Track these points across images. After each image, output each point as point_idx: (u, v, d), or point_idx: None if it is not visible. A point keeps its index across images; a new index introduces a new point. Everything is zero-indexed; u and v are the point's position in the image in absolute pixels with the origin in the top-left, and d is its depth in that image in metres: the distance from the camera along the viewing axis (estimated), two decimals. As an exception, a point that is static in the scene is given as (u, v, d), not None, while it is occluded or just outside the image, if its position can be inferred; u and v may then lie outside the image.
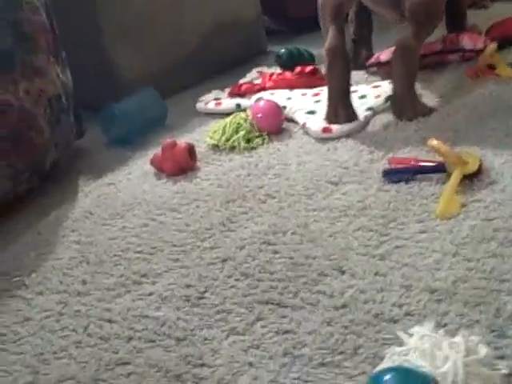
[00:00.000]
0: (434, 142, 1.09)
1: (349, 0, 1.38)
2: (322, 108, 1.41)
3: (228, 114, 1.48)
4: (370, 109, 1.38)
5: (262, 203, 1.13)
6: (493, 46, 1.45)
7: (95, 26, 1.66)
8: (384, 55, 1.56)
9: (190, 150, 1.31)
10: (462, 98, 1.37)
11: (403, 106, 1.32)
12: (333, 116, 1.34)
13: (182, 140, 1.42)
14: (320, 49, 1.83)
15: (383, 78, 1.55)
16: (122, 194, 1.28)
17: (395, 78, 1.32)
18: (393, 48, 1.53)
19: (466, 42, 1.52)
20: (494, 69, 1.44)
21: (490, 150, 1.13)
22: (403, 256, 0.90)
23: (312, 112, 1.42)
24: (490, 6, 2.37)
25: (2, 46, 1.24)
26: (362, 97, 1.43)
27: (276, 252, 0.98)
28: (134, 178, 1.34)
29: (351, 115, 1.34)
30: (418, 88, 1.40)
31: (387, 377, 0.63)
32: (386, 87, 1.45)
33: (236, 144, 1.35)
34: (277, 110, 1.40)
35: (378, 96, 1.42)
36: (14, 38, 1.26)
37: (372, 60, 1.60)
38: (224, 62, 1.86)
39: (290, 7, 2.07)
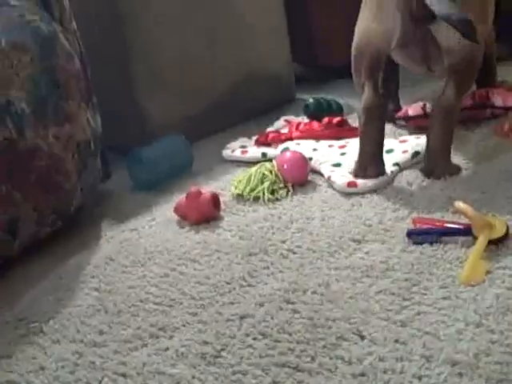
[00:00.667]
0: (461, 204, 1.07)
1: (385, 54, 1.35)
2: (348, 161, 1.40)
3: (254, 163, 1.49)
4: (396, 164, 1.38)
5: (284, 258, 1.12)
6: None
7: (127, 71, 1.69)
8: (412, 109, 1.56)
9: (215, 200, 1.31)
10: (490, 157, 1.35)
11: (436, 164, 1.30)
12: (361, 172, 1.33)
13: (207, 188, 1.43)
14: (348, 98, 1.85)
15: (411, 133, 1.54)
16: (144, 241, 1.29)
17: (432, 135, 1.30)
18: (421, 103, 1.54)
19: (496, 98, 1.51)
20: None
21: (518, 215, 1.11)
22: (425, 323, 0.89)
23: (338, 165, 1.41)
24: None
25: (37, 93, 1.26)
26: (389, 151, 1.43)
27: (295, 311, 0.97)
28: (157, 225, 1.35)
29: (380, 171, 1.34)
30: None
31: None
32: (413, 142, 1.45)
33: (260, 195, 1.35)
34: (302, 162, 1.40)
35: (405, 151, 1.42)
36: (48, 85, 1.28)
37: (400, 114, 1.59)
38: (252, 110, 1.87)
39: (320, 55, 2.08)
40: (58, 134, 1.30)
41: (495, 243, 1.03)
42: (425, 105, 1.53)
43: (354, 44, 1.36)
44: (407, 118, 1.56)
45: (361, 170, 1.33)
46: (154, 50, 1.69)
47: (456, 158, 1.37)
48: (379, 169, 1.33)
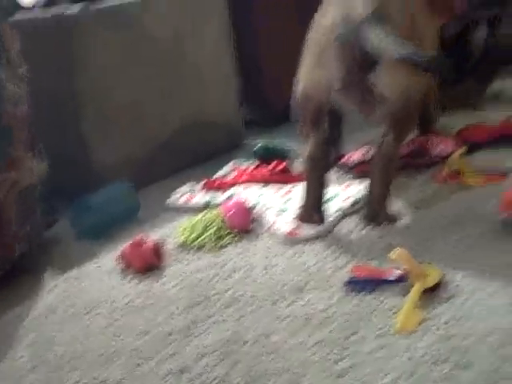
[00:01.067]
0: (397, 253, 1.10)
1: (327, 101, 1.36)
2: (293, 207, 1.43)
3: (200, 209, 1.50)
4: (338, 211, 1.41)
5: (226, 308, 1.13)
6: (459, 151, 1.49)
7: (76, 116, 1.69)
8: (356, 156, 1.60)
9: (158, 249, 1.32)
10: (429, 204, 1.40)
11: (377, 209, 1.34)
12: (305, 218, 1.36)
13: (153, 235, 1.44)
14: (297, 143, 1.89)
15: (355, 178, 1.58)
16: (88, 290, 1.28)
17: (373, 183, 1.34)
18: (364, 149, 1.59)
19: (434, 146, 1.56)
20: (460, 174, 1.48)
21: (451, 262, 1.15)
22: (361, 374, 0.90)
23: (282, 211, 1.44)
24: (480, 108, 2.43)
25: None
26: (332, 198, 1.46)
27: (236, 363, 0.97)
28: (101, 274, 1.34)
29: (323, 218, 1.37)
30: (386, 192, 1.43)
31: None
32: (355, 189, 1.48)
33: (205, 242, 1.36)
34: (247, 209, 1.42)
35: (348, 198, 1.45)
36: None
37: (345, 159, 1.63)
38: (200, 154, 1.89)
39: (270, 98, 2.13)
40: (2, 179, 1.29)
41: (430, 291, 1.06)
42: (367, 151, 1.58)
43: (298, 94, 1.38)
44: (351, 165, 1.60)
45: (304, 217, 1.36)
46: (103, 96, 1.70)
47: (396, 205, 1.41)
48: (321, 216, 1.36)
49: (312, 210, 1.36)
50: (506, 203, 1.24)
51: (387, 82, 1.29)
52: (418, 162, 1.58)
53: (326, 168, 1.37)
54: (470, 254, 1.17)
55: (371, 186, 1.35)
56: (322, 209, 1.37)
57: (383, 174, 1.33)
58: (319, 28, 1.34)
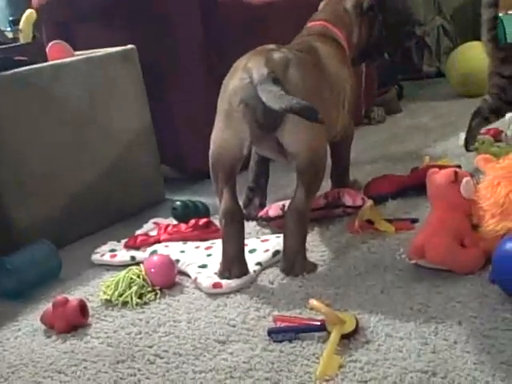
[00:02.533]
0: (314, 303, 1.16)
1: (240, 159, 1.43)
2: (214, 262, 1.46)
3: (123, 267, 1.51)
4: (258, 263, 1.45)
5: (151, 364, 1.14)
6: (370, 203, 1.58)
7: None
8: (273, 210, 1.66)
9: (82, 307, 1.32)
10: (343, 253, 1.47)
11: (293, 262, 1.40)
12: (226, 273, 1.39)
13: (76, 294, 1.44)
14: (215, 199, 1.94)
15: (273, 232, 1.64)
16: (9, 354, 1.26)
17: (287, 237, 1.40)
18: (281, 203, 1.65)
19: (347, 198, 1.65)
20: (372, 223, 1.57)
21: (366, 308, 1.21)
22: (283, 422, 0.93)
23: (204, 266, 1.47)
24: (383, 120, 2.62)
25: None
26: (252, 251, 1.51)
27: (161, 419, 0.98)
28: (23, 335, 1.33)
29: (244, 271, 1.40)
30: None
31: None
32: (274, 241, 1.54)
33: (128, 299, 1.37)
34: (170, 265, 1.44)
35: (267, 250, 1.50)
36: None
37: (262, 213, 1.69)
38: (121, 212, 1.91)
39: (188, 158, 2.17)
40: None
41: (347, 337, 1.11)
42: (284, 205, 1.64)
43: (210, 153, 1.45)
44: (268, 219, 1.66)
45: (225, 271, 1.40)
46: (20, 160, 1.70)
47: (313, 255, 1.47)
48: (242, 269, 1.40)
49: (232, 263, 1.40)
50: (414, 250, 1.32)
51: (292, 141, 1.39)
52: (333, 212, 1.66)
53: (242, 220, 1.41)
54: (383, 300, 1.24)
55: (285, 239, 1.41)
56: (243, 262, 1.41)
57: (296, 228, 1.40)
58: (227, 91, 1.43)
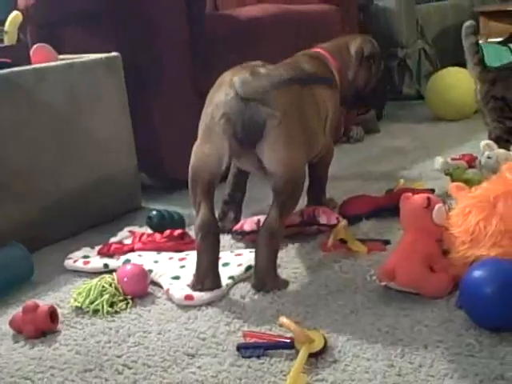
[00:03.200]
0: (284, 320, 1.17)
1: (218, 174, 1.44)
2: (187, 274, 1.47)
3: (96, 274, 1.51)
4: (231, 277, 1.46)
5: (119, 374, 1.15)
6: (343, 222, 1.60)
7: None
8: (248, 225, 1.67)
9: (52, 314, 1.32)
10: (315, 271, 1.49)
11: (264, 279, 1.41)
12: (199, 285, 1.40)
13: (46, 299, 1.44)
14: (191, 210, 1.95)
15: (247, 246, 1.65)
16: (-24, 358, 1.25)
17: (258, 254, 1.41)
18: (256, 218, 1.66)
19: (322, 216, 1.67)
20: (345, 243, 1.59)
21: (335, 327, 1.23)
22: None
23: (177, 277, 1.47)
24: (361, 139, 2.66)
25: None
26: (225, 264, 1.52)
27: (126, 430, 0.99)
28: (-9, 340, 1.32)
29: (217, 284, 1.41)
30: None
31: None
32: (247, 256, 1.55)
33: (99, 307, 1.37)
34: (142, 275, 1.44)
35: (240, 265, 1.51)
36: None
37: (237, 227, 1.70)
38: (97, 219, 1.90)
39: (166, 166, 2.18)
40: None
41: (315, 356, 1.13)
42: (259, 220, 1.65)
43: (190, 166, 1.46)
44: (243, 233, 1.68)
45: (198, 283, 1.41)
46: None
47: (285, 271, 1.49)
48: (216, 282, 1.41)
49: (206, 276, 1.41)
50: (385, 272, 1.34)
51: (271, 158, 1.41)
52: (307, 230, 1.68)
53: (218, 234, 1.42)
54: (352, 320, 1.25)
55: (256, 256, 1.42)
56: (216, 275, 1.42)
57: (267, 247, 1.41)
58: (210, 105, 1.45)
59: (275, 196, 1.43)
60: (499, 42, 3.39)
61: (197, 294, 1.38)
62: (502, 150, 2.01)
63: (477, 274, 1.18)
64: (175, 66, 2.09)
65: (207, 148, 1.42)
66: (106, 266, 1.58)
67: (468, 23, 2.06)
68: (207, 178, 1.42)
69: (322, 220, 1.66)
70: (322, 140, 1.70)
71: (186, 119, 2.14)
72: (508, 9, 3.41)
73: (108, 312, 1.37)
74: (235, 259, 1.54)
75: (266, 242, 1.40)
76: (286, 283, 1.43)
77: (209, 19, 2.15)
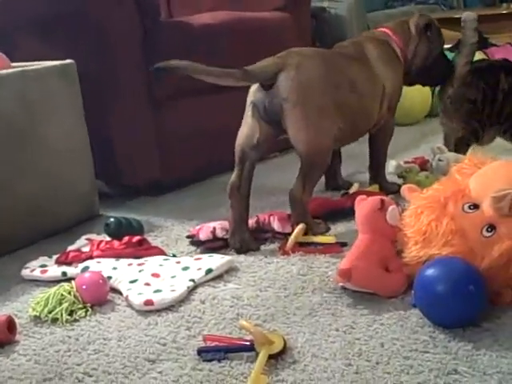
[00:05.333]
0: (244, 323, 1.19)
1: (251, 147, 1.67)
2: (145, 277, 1.48)
3: (54, 282, 1.50)
4: (191, 280, 1.47)
5: (79, 382, 1.14)
6: (302, 225, 1.63)
7: None
8: (204, 234, 1.67)
9: (10, 324, 1.30)
10: (274, 274, 1.51)
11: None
12: (231, 239, 1.65)
13: (4, 310, 1.42)
14: (150, 216, 1.96)
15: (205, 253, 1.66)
16: None
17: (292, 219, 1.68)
18: (212, 225, 1.68)
19: (276, 224, 1.69)
20: (302, 246, 1.61)
21: (294, 328, 1.25)
22: None
23: (134, 281, 1.47)
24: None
25: None
26: (185, 268, 1.53)
27: None
28: None
29: (243, 238, 1.65)
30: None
31: None
32: (207, 260, 1.56)
33: (58, 316, 1.37)
34: (101, 283, 1.44)
35: (200, 268, 1.52)
36: None
37: (193, 232, 1.70)
38: (54, 227, 1.89)
39: (124, 173, 2.18)
40: None
41: (275, 357, 1.15)
42: (214, 228, 1.67)
43: None
44: (198, 243, 1.68)
45: (232, 237, 1.65)
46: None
47: (244, 275, 1.51)
48: (242, 236, 1.65)
49: (234, 232, 1.65)
50: (341, 273, 1.37)
51: (292, 135, 1.64)
52: (261, 237, 1.71)
53: (242, 193, 1.66)
54: (310, 321, 1.28)
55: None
56: (245, 231, 1.65)
57: (294, 212, 1.67)
58: (249, 93, 1.69)
59: (300, 165, 1.67)
60: (448, 49, 3.48)
61: (156, 299, 1.39)
62: (452, 153, 2.08)
63: (429, 272, 1.22)
64: (130, 73, 2.10)
65: (243, 126, 1.69)
66: (64, 274, 1.57)
67: (469, 14, 2.12)
68: (240, 150, 1.68)
69: (277, 227, 1.69)
70: (375, 114, 1.88)
71: (142, 126, 2.14)
72: (455, 16, 3.50)
73: (67, 320, 1.36)
74: (195, 263, 1.55)
75: (293, 206, 1.66)
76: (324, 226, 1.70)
77: (163, 26, 2.16)
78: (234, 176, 1.67)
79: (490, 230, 1.25)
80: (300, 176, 1.66)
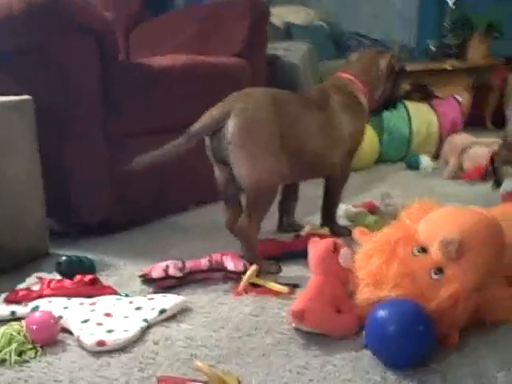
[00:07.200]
0: (198, 364, 1.19)
1: (225, 188, 1.80)
2: (97, 317, 1.46)
3: (3, 322, 1.47)
4: (144, 320, 1.47)
5: (28, 425, 1.12)
6: (255, 266, 1.65)
7: None
8: (156, 272, 1.67)
9: (-44, 364, 1.27)
10: (227, 315, 1.51)
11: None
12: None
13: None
14: (102, 255, 1.94)
15: (157, 292, 1.66)
16: None
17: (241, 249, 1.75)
18: (165, 263, 1.69)
19: (229, 263, 1.70)
20: (255, 287, 1.63)
21: (248, 369, 1.26)
22: None
23: (86, 321, 1.46)
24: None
25: None
26: (138, 308, 1.52)
27: None
28: None
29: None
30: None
31: None
32: (160, 300, 1.56)
33: (7, 357, 1.33)
34: (52, 322, 1.41)
35: (153, 308, 1.52)
36: None
37: (146, 272, 1.69)
38: (4, 265, 1.84)
39: (77, 211, 2.16)
40: None
41: (228, 398, 1.15)
42: (167, 266, 1.67)
43: None
44: (151, 280, 1.67)
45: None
46: None
47: (197, 316, 1.51)
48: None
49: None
50: (294, 314, 1.39)
51: (236, 174, 1.72)
52: (215, 276, 1.72)
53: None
54: (264, 362, 1.29)
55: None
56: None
57: (242, 241, 1.75)
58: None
59: (246, 203, 1.74)
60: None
61: (109, 339, 1.37)
62: (399, 200, 2.16)
63: (380, 314, 1.26)
64: (86, 111, 2.10)
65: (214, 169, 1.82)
66: (13, 313, 1.53)
67: None
68: (219, 190, 1.83)
69: (230, 267, 1.70)
70: (331, 158, 1.93)
71: (96, 164, 2.14)
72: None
73: (16, 361, 1.33)
74: (148, 303, 1.54)
75: (240, 239, 1.75)
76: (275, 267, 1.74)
77: (122, 66, 2.18)
78: (226, 215, 1.82)
79: (437, 272, 1.30)
80: (246, 211, 1.73)
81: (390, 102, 2.18)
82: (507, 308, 1.40)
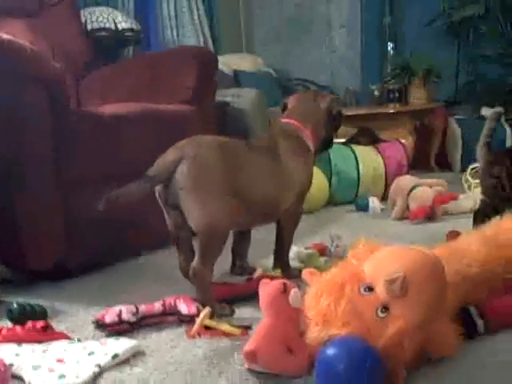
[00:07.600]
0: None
1: (176, 232, 1.86)
2: (49, 362, 1.46)
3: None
4: (97, 365, 1.47)
5: None
6: (208, 309, 1.67)
7: None
8: (110, 316, 1.67)
9: None
10: (180, 358, 1.53)
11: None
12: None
13: None
14: (54, 301, 1.93)
15: (110, 336, 1.66)
16: None
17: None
18: (118, 308, 1.69)
19: (182, 306, 1.73)
20: (209, 329, 1.65)
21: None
22: None
23: (38, 367, 1.45)
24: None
25: None
26: (91, 353, 1.52)
27: None
28: None
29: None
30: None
31: None
32: (113, 345, 1.55)
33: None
34: (2, 370, 1.40)
35: (106, 354, 1.52)
36: None
37: (98, 317, 1.69)
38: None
39: (27, 257, 2.14)
40: None
41: None
42: (121, 311, 1.68)
43: None
44: (103, 326, 1.67)
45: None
46: None
47: (150, 359, 1.52)
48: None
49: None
50: (246, 355, 1.42)
51: (188, 218, 1.77)
52: (168, 320, 1.73)
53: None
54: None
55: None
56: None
57: (196, 284, 1.78)
58: None
59: (198, 245, 1.77)
60: (342, 143, 3.74)
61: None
62: (349, 241, 2.21)
63: (329, 352, 1.29)
64: (38, 159, 2.10)
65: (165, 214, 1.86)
66: (-39, 362, 1.52)
67: (498, 109, 2.37)
68: (171, 235, 1.89)
69: (183, 310, 1.72)
70: (281, 202, 1.99)
71: (49, 210, 2.14)
72: (348, 113, 3.76)
73: (-35, 410, 1.32)
74: (101, 348, 1.54)
75: (194, 281, 1.78)
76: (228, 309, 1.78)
77: (73, 114, 2.20)
78: (179, 259, 1.88)
79: (383, 310, 1.35)
80: (199, 254, 1.77)
81: (327, 144, 2.24)
82: (450, 344, 1.45)
